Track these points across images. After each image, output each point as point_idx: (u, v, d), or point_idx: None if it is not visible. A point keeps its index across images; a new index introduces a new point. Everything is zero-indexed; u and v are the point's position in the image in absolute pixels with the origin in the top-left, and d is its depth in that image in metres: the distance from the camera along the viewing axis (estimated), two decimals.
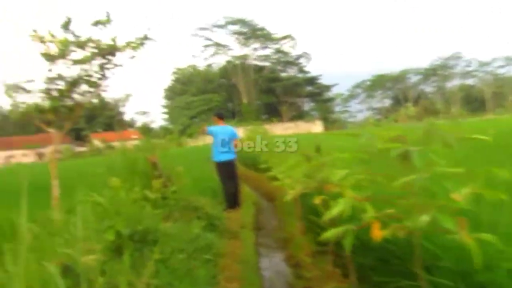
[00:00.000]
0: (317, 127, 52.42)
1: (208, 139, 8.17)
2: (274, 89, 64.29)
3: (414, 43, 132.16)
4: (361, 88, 76.87)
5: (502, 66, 67.86)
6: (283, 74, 67.68)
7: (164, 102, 69.06)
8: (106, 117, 63.83)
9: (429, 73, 71.51)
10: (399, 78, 72.97)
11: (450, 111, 55.56)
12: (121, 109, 69.10)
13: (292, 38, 65.96)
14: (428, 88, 73.89)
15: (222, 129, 6.99)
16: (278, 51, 66.95)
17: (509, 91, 63.05)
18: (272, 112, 61.87)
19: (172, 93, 67.28)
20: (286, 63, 67.86)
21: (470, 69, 69.77)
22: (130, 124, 68.00)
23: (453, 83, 70.68)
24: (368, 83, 76.01)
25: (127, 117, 71.12)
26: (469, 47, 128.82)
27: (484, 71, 69.01)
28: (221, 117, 7.20)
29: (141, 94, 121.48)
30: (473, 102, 66.60)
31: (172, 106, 64.78)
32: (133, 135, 44.06)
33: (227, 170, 6.87)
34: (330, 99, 68.95)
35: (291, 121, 55.31)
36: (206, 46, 65.99)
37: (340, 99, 73.36)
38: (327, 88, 67.38)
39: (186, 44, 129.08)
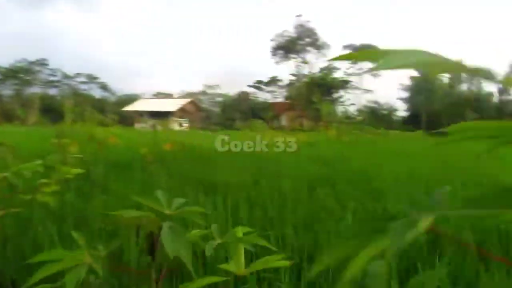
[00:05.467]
0: None
1: None
2: None
3: None
4: None
5: (84, 82, 65.97)
6: None
7: None
8: None
9: (9, 75, 61.15)
10: None
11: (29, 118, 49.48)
12: None
13: None
14: (6, 91, 62.76)
15: None
16: None
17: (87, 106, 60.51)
18: None
19: None
20: None
21: (54, 78, 64.22)
22: None
23: (34, 90, 62.82)
24: None
25: None
26: (57, 57, 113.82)
27: (68, 83, 67.02)
28: None
29: None
30: (53, 112, 56.48)
31: None
32: None
33: None
34: None
35: None
36: None
37: None
38: None
39: None
